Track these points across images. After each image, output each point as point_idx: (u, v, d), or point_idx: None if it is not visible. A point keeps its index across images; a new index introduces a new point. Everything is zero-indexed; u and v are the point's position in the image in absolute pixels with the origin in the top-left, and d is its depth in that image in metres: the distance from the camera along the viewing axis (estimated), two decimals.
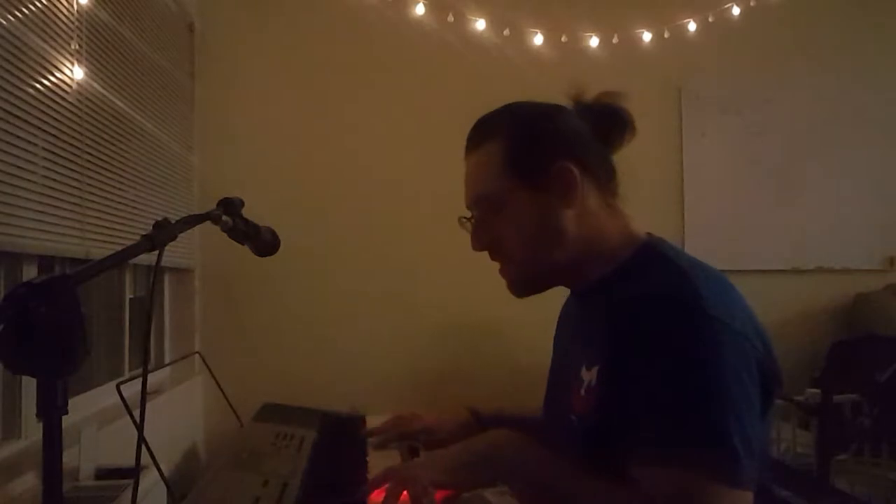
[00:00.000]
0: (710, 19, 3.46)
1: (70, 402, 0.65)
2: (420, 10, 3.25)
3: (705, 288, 0.83)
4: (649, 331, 0.82)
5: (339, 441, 1.35)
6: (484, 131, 1.01)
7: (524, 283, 1.01)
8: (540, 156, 0.95)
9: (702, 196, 3.50)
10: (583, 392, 0.91)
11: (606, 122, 1.00)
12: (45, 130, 1.64)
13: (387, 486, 0.91)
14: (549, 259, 0.97)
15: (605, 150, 1.01)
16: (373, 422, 1.42)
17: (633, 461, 0.81)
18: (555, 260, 0.97)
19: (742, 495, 0.77)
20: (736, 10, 3.47)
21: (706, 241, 3.35)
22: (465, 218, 1.03)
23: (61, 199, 1.72)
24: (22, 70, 1.54)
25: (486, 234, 1.00)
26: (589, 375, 0.90)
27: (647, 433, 0.80)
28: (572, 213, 0.95)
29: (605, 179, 0.99)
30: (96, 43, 1.97)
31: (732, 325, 0.81)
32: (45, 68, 1.65)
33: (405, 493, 0.89)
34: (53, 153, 1.68)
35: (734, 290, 0.89)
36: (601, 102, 1.01)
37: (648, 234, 1.00)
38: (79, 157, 1.82)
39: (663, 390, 0.79)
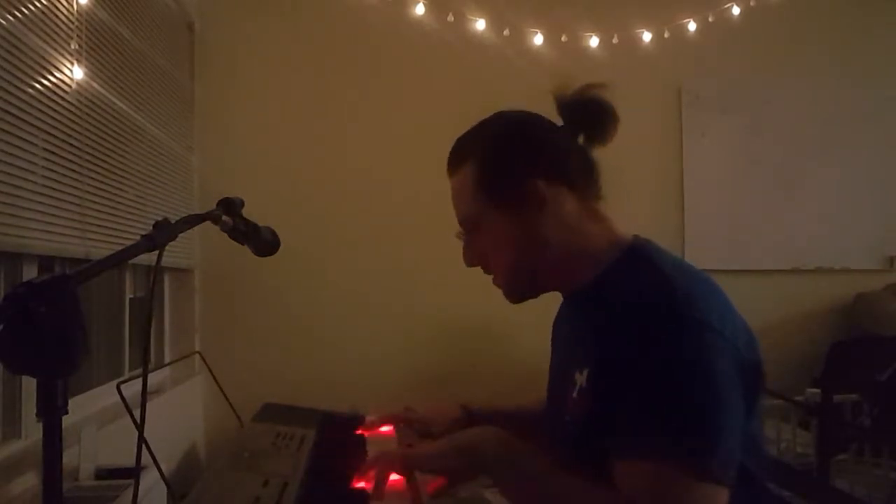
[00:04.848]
0: (710, 19, 3.47)
1: (70, 402, 0.66)
2: (420, 10, 3.25)
3: (687, 289, 0.85)
4: (633, 335, 0.84)
5: (339, 441, 1.35)
6: (458, 154, 1.04)
7: (515, 294, 1.05)
8: (507, 177, 0.98)
9: (702, 196, 3.49)
10: (575, 394, 0.93)
11: (588, 115, 1.00)
12: (45, 130, 1.64)
13: (375, 470, 0.96)
14: (532, 270, 1.00)
15: (584, 152, 1.01)
16: None
17: (611, 456, 0.83)
18: (538, 270, 1.00)
19: (717, 490, 0.78)
20: (736, 10, 3.47)
21: (706, 241, 3.35)
22: (458, 234, 1.07)
23: (61, 199, 1.72)
24: (22, 70, 1.54)
25: (473, 252, 1.05)
26: (581, 378, 0.93)
27: (625, 427, 0.82)
28: (549, 222, 0.97)
29: (585, 184, 1.00)
30: (96, 43, 1.97)
31: (714, 325, 0.83)
32: (45, 68, 1.65)
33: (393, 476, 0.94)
34: (53, 153, 1.68)
35: (719, 291, 0.90)
36: (582, 95, 1.00)
37: (635, 236, 1.00)
38: (79, 157, 1.82)
39: (643, 388, 0.81)
